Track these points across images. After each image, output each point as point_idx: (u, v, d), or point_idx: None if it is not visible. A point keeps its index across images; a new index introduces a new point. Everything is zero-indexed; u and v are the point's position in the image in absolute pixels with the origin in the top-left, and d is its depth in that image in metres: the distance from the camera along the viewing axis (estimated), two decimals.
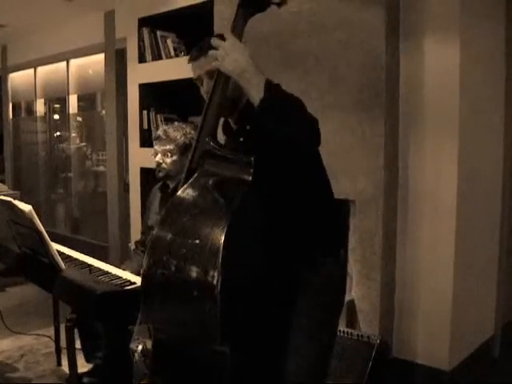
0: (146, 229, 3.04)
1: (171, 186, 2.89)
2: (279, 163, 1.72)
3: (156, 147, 2.89)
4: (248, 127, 1.82)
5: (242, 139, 1.80)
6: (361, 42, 3.00)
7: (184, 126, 2.92)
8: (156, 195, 3.05)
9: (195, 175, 1.70)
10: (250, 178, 1.61)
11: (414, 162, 3.07)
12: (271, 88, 1.64)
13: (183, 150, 2.81)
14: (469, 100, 3.00)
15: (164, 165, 2.85)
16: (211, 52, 1.70)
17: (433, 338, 3.05)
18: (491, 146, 3.37)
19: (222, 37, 1.71)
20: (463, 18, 2.91)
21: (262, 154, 1.62)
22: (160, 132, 2.91)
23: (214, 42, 1.69)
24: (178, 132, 2.85)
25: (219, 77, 1.73)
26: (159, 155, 2.86)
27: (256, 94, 1.61)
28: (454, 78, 2.92)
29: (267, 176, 1.65)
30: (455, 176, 2.94)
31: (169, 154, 2.83)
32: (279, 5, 1.78)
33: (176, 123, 3.00)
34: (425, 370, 3.07)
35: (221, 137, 2.10)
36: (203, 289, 1.47)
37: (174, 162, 2.83)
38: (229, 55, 1.65)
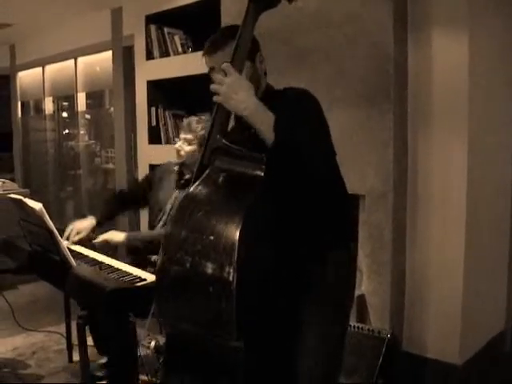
0: (156, 207, 3.11)
1: (186, 175, 2.98)
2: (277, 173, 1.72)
3: (180, 135, 3.07)
4: None
5: (253, 131, 1.79)
6: (368, 36, 2.99)
7: (209, 119, 3.01)
8: (170, 175, 3.16)
9: (207, 172, 1.70)
10: (263, 174, 1.61)
11: (423, 156, 3.06)
12: (282, 129, 1.62)
13: (202, 142, 2.92)
14: (478, 93, 2.98)
15: (182, 152, 3.02)
16: (213, 86, 1.66)
17: (443, 333, 3.04)
18: (501, 140, 3.35)
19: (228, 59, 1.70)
20: (472, 10, 2.89)
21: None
22: (185, 121, 3.11)
23: (216, 78, 1.66)
24: (200, 124, 3.01)
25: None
26: (180, 142, 3.04)
27: (267, 136, 1.61)
28: (463, 70, 2.90)
29: (279, 172, 1.65)
30: (465, 170, 2.92)
31: (187, 143, 3.00)
32: (290, 0, 1.77)
33: (202, 116, 3.15)
34: (435, 364, 3.06)
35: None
36: (219, 285, 1.47)
37: (191, 151, 2.99)
38: (236, 94, 1.62)
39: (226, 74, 1.65)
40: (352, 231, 2.12)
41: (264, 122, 1.63)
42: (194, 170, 2.86)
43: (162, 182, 3.18)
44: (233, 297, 1.46)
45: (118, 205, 3.30)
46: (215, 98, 1.67)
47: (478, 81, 2.97)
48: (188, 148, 2.99)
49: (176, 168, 3.12)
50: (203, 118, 3.08)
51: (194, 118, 3.07)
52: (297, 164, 1.63)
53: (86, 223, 3.02)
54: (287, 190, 1.72)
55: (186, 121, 3.11)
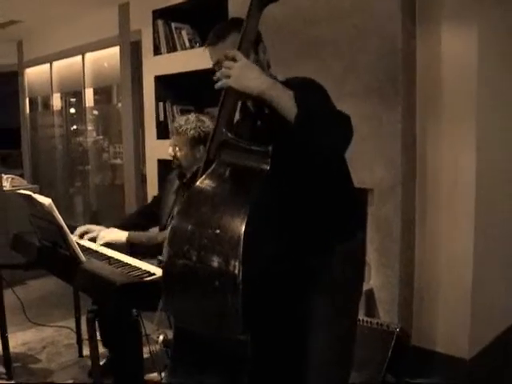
0: (164, 217, 3.08)
1: (188, 175, 2.95)
2: (299, 151, 1.71)
3: (171, 139, 3.00)
4: (267, 111, 1.80)
5: (259, 123, 1.79)
6: (376, 28, 2.98)
7: (196, 117, 2.97)
8: (173, 183, 3.10)
9: (213, 166, 1.69)
10: (268, 167, 1.61)
11: (432, 149, 3.05)
12: (302, 101, 1.60)
13: (193, 143, 2.90)
14: (486, 85, 2.97)
15: (176, 157, 2.96)
16: (222, 70, 1.65)
17: (452, 327, 3.04)
18: (510, 132, 3.33)
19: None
20: (481, 2, 2.88)
21: (280, 140, 1.62)
22: (174, 125, 3.01)
23: (226, 64, 1.65)
24: (188, 125, 2.91)
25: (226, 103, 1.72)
26: (171, 148, 2.97)
27: (288, 109, 1.58)
28: (471, 62, 2.89)
29: (285, 164, 1.65)
30: (474, 162, 2.91)
31: (178, 148, 2.93)
32: None
33: (192, 114, 3.04)
34: (444, 358, 3.07)
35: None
36: (225, 278, 1.47)
37: (184, 155, 2.92)
38: (250, 74, 1.62)
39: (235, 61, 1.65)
40: (359, 220, 2.11)
41: (284, 95, 1.60)
42: (193, 170, 2.89)
43: (169, 191, 3.14)
44: (238, 290, 1.46)
45: (137, 221, 3.25)
46: (225, 82, 1.65)
47: (486, 74, 2.95)
48: (179, 153, 2.92)
49: (176, 173, 3.09)
50: (190, 117, 2.96)
51: (181, 119, 2.98)
52: (320, 134, 1.60)
53: (96, 227, 3.01)
54: (294, 181, 1.72)
55: (175, 123, 3.02)
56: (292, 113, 1.57)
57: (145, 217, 3.29)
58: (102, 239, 2.87)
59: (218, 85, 1.67)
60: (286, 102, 1.58)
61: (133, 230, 3.04)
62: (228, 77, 1.63)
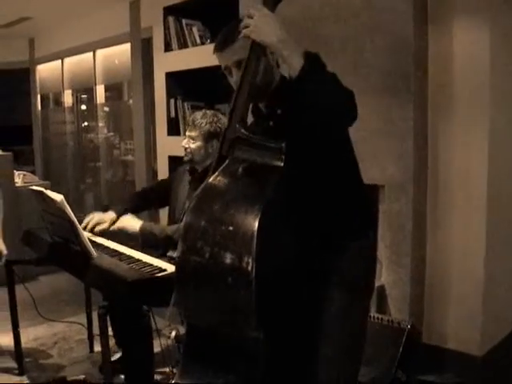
0: (177, 212, 3.08)
1: (199, 169, 2.96)
2: (311, 147, 1.71)
3: (186, 132, 3.01)
4: (279, 111, 1.81)
5: (271, 123, 1.79)
6: (388, 25, 2.97)
7: (213, 113, 3.00)
8: (183, 177, 3.12)
9: (226, 162, 1.69)
10: (282, 163, 1.61)
11: (443, 146, 3.04)
12: (311, 56, 1.64)
13: (207, 137, 2.92)
14: (499, 83, 2.95)
15: (189, 149, 2.96)
16: (245, 20, 1.68)
17: (464, 324, 3.03)
18: None
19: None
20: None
21: (292, 139, 1.61)
22: (190, 118, 3.04)
23: (249, 11, 1.68)
24: (205, 119, 2.93)
25: (249, 63, 1.71)
26: (186, 140, 2.98)
27: (296, 62, 1.61)
28: (483, 60, 2.87)
29: (298, 161, 1.65)
30: (486, 159, 2.90)
31: (192, 140, 2.94)
32: None
33: (207, 110, 3.06)
34: (456, 355, 3.05)
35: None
36: (238, 275, 1.47)
37: (197, 148, 2.93)
38: (269, 25, 1.65)
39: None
40: (370, 219, 2.11)
41: (294, 49, 1.64)
42: (205, 165, 2.89)
43: (180, 184, 3.15)
44: (252, 287, 1.46)
45: (140, 202, 3.29)
46: (245, 31, 1.68)
47: (499, 71, 2.94)
48: (193, 145, 2.93)
49: (187, 167, 3.10)
50: (208, 112, 2.99)
51: (198, 113, 3.01)
52: (323, 93, 1.61)
53: (107, 216, 3.04)
54: (306, 178, 1.72)
55: (190, 117, 3.05)
56: (299, 64, 1.61)
57: (145, 200, 3.33)
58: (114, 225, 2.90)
59: (243, 32, 1.70)
60: (295, 54, 1.64)
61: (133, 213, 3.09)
62: (247, 26, 1.67)
